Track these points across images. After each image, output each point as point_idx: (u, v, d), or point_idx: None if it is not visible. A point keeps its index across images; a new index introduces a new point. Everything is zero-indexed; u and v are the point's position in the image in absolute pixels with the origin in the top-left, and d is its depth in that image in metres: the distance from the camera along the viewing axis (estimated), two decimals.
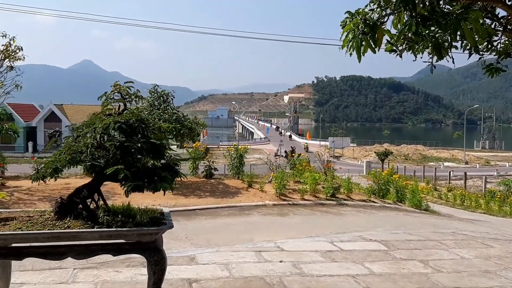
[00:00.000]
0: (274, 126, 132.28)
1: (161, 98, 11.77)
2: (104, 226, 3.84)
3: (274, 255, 5.87)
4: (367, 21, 5.23)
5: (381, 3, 5.49)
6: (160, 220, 4.23)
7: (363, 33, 5.22)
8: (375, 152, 52.44)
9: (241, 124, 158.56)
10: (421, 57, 6.47)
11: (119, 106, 4.31)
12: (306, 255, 5.92)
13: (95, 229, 3.77)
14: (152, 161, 4.22)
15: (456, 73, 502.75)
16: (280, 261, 5.57)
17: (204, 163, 13.00)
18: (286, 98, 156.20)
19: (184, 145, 13.30)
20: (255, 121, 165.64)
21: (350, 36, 5.29)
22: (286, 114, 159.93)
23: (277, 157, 40.30)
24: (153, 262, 4.00)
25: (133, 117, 3.99)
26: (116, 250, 4.00)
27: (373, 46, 5.38)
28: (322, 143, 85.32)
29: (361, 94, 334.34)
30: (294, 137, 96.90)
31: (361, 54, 5.52)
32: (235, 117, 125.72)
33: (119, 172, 3.82)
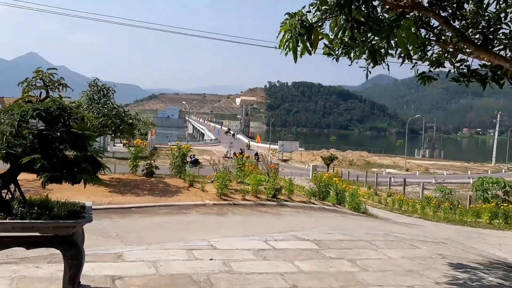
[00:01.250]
0: (224, 128, 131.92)
1: (101, 92, 11.40)
2: (17, 218, 3.64)
3: (205, 253, 5.80)
4: (304, 23, 5.30)
5: (319, 7, 5.59)
6: (79, 214, 4.08)
7: (300, 34, 5.29)
8: (321, 157, 53.56)
9: (192, 125, 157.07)
10: (357, 62, 6.65)
11: (41, 93, 4.12)
12: (238, 254, 5.91)
13: (7, 221, 3.57)
14: (74, 153, 4.06)
15: (401, 84, 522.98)
16: (211, 259, 5.52)
17: (145, 161, 12.73)
18: (238, 100, 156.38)
19: (125, 142, 12.95)
20: (206, 122, 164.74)
21: (287, 36, 5.34)
22: (237, 116, 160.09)
23: (226, 158, 40.20)
24: (69, 257, 3.84)
25: (54, 105, 3.81)
26: (30, 243, 3.80)
27: (310, 48, 5.47)
28: (272, 146, 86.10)
29: (311, 100, 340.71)
30: (238, 135, 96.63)
31: (298, 55, 5.59)
32: (186, 118, 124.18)
33: (35, 161, 3.63)
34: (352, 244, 6.98)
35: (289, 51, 5.44)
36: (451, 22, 5.97)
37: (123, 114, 11.17)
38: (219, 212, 9.40)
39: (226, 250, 6.04)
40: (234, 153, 44.35)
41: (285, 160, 67.66)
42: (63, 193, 9.97)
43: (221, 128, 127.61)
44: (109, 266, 5.03)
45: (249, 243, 6.60)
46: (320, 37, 5.56)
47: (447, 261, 6.35)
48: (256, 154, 66.64)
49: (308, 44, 5.39)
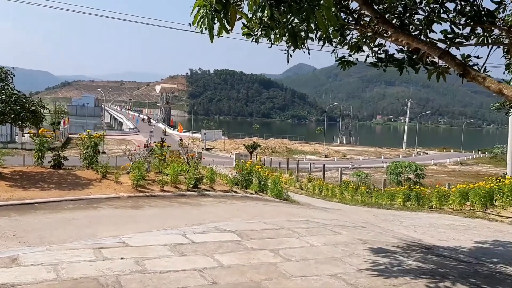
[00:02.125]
0: (145, 117, 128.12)
1: None
2: None
3: (116, 251, 5.27)
4: None
5: None
6: None
7: (215, 11, 4.87)
8: (244, 145, 53.75)
9: (110, 114, 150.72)
10: (277, 45, 6.38)
11: None
12: (153, 250, 5.44)
13: None
14: None
15: (320, 73, 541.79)
16: (121, 258, 5.00)
17: (54, 152, 11.67)
18: (158, 88, 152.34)
19: (29, 131, 11.71)
20: (125, 110, 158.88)
21: (202, 12, 4.90)
22: (158, 104, 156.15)
23: (146, 148, 38.88)
24: None
25: None
26: None
27: (227, 26, 5.09)
28: (194, 135, 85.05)
29: (233, 88, 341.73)
30: (168, 130, 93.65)
31: (215, 34, 5.18)
32: (103, 106, 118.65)
33: None
34: (275, 233, 6.77)
35: (205, 29, 5.02)
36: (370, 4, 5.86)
37: (24, 101, 10.05)
38: (135, 205, 8.78)
39: (140, 247, 5.54)
40: (155, 142, 42.92)
41: (208, 149, 67.21)
42: None
43: (139, 116, 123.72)
44: (0, 272, 4.34)
45: (166, 237, 6.14)
46: (238, 16, 5.21)
47: (367, 246, 6.34)
48: (181, 139, 65.42)
49: (225, 22, 5.01)
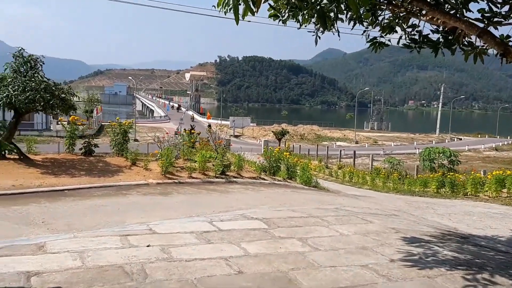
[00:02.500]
0: (175, 105, 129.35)
1: (28, 64, 10.29)
2: None
3: (142, 239, 5.23)
4: None
5: None
6: None
7: None
8: (272, 132, 53.54)
9: (141, 102, 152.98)
10: (305, 26, 6.16)
11: None
12: (180, 238, 5.37)
13: None
14: None
15: (350, 58, 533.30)
16: (148, 246, 4.95)
17: (85, 139, 11.82)
18: (187, 76, 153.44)
19: (60, 119, 11.95)
20: (156, 98, 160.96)
21: None
22: (187, 92, 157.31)
23: (177, 135, 39.30)
24: None
25: None
26: None
27: (252, 7, 4.90)
28: (223, 122, 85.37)
29: (262, 75, 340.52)
30: (196, 117, 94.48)
31: (240, 16, 5.01)
32: (135, 94, 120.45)
33: None
34: (303, 221, 6.61)
35: (229, 11, 4.85)
36: None
37: (53, 88, 10.14)
38: (163, 192, 8.77)
39: (166, 234, 5.48)
40: (185, 130, 43.21)
41: (236, 136, 67.33)
42: None
43: (169, 104, 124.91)
44: (26, 260, 4.34)
45: (193, 224, 6.07)
46: None
47: (400, 235, 6.11)
48: (209, 125, 65.70)
49: (250, 3, 4.82)
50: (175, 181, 9.93)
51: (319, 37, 6.20)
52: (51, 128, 54.53)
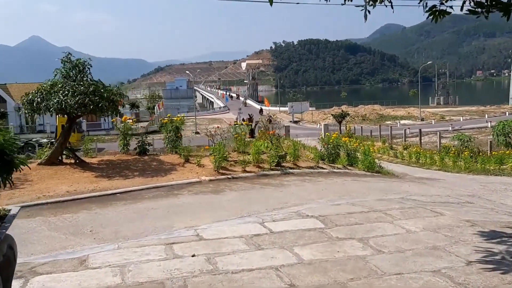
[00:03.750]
0: (233, 95, 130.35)
1: (77, 68, 10.35)
2: None
3: (188, 247, 4.88)
4: None
5: None
6: None
7: None
8: (332, 115, 52.19)
9: (201, 94, 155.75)
10: (351, 1, 5.52)
11: None
12: (227, 244, 4.98)
13: None
14: None
15: (410, 32, 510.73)
16: (193, 256, 4.59)
17: (137, 138, 11.81)
18: (243, 65, 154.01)
19: (112, 120, 12.02)
20: (215, 90, 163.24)
21: None
22: (245, 81, 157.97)
23: (236, 125, 39.28)
24: None
25: None
26: None
27: None
28: (282, 108, 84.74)
29: (319, 57, 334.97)
30: (249, 102, 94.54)
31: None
32: (195, 87, 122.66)
33: None
34: (364, 217, 5.99)
35: None
36: None
37: (102, 90, 10.13)
38: (215, 190, 8.46)
39: (214, 240, 5.11)
40: (243, 120, 43.17)
41: (296, 122, 66.54)
42: (45, 182, 9.16)
43: (228, 94, 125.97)
44: (66, 277, 4.13)
45: (243, 227, 5.66)
46: None
47: (477, 230, 5.33)
48: (261, 110, 65.20)
49: None
50: (228, 176, 9.60)
51: (369, 12, 5.52)
52: (118, 127, 56.76)
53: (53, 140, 34.08)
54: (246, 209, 6.83)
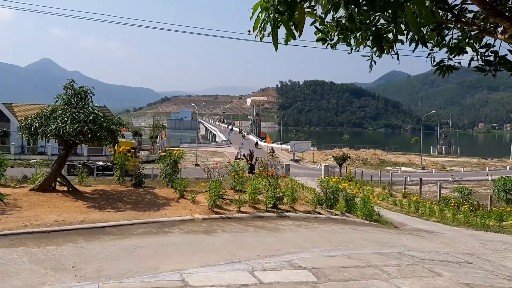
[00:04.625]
0: (236, 129, 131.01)
1: (78, 95, 10.30)
2: None
3: None
4: None
5: None
6: None
7: (279, 12, 4.07)
8: (333, 157, 52.09)
9: (205, 127, 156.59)
10: (358, 50, 5.43)
11: None
12: None
13: None
14: None
15: (415, 80, 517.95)
16: None
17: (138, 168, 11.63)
18: (249, 101, 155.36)
19: (110, 150, 11.86)
20: (218, 123, 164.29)
21: (263, 15, 4.12)
22: (249, 117, 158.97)
23: (237, 160, 39.19)
24: None
25: None
26: None
27: (294, 31, 4.26)
28: (284, 146, 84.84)
29: (323, 98, 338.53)
30: (260, 143, 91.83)
31: (281, 41, 4.41)
32: (199, 119, 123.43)
33: None
34: (359, 272, 5.73)
35: (267, 36, 4.24)
36: None
37: (102, 120, 10.03)
38: (207, 230, 8.20)
39: None
40: (244, 155, 43.01)
41: (297, 160, 66.41)
42: (34, 209, 8.92)
43: (230, 129, 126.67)
44: None
45: (231, 275, 5.40)
46: (307, 16, 4.35)
47: None
48: (272, 150, 65.04)
49: (292, 26, 4.18)
50: (222, 216, 9.35)
51: (375, 62, 5.46)
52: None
53: (109, 164, 33.87)
54: (237, 254, 6.56)
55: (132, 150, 36.96)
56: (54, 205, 9.10)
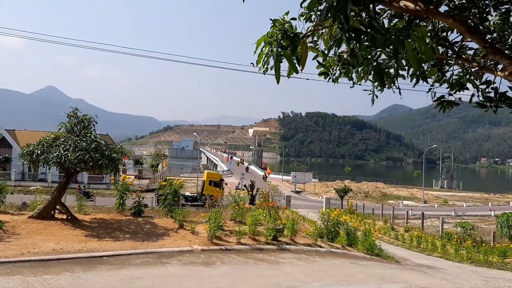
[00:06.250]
0: (237, 159, 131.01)
1: (82, 123, 10.37)
2: None
3: None
4: (287, 32, 4.16)
5: (309, 15, 4.47)
6: None
7: (282, 47, 4.14)
8: (334, 189, 51.85)
9: (206, 156, 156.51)
10: (360, 84, 5.50)
11: None
12: None
13: None
14: None
15: (416, 114, 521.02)
16: None
17: (133, 198, 11.57)
18: (251, 131, 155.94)
19: (111, 178, 11.87)
20: (219, 153, 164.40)
21: (266, 50, 4.20)
22: (251, 147, 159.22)
23: (238, 190, 38.99)
24: None
25: None
26: None
27: (297, 65, 4.33)
28: (285, 177, 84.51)
29: (325, 130, 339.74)
30: (252, 167, 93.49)
31: (283, 75, 4.47)
32: (201, 149, 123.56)
33: None
34: None
35: (270, 69, 4.30)
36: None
37: (104, 148, 10.06)
38: (206, 262, 8.08)
39: None
40: (245, 185, 42.90)
41: (298, 192, 66.07)
42: (32, 237, 8.84)
43: (231, 158, 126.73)
44: None
45: None
46: (309, 50, 4.42)
47: None
48: (265, 176, 64.30)
49: (294, 60, 4.25)
50: (222, 247, 9.24)
51: (376, 96, 5.53)
52: (119, 182, 56.54)
53: (196, 195, 33.53)
54: (236, 287, 6.46)
55: (220, 182, 36.89)
56: (53, 233, 9.01)
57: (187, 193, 35.26)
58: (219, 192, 31.17)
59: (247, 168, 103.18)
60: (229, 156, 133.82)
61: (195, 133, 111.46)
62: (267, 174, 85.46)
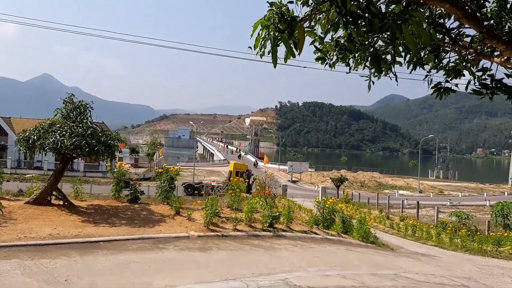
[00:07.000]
0: (234, 149, 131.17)
1: (78, 109, 10.33)
2: None
3: None
4: (284, 16, 4.15)
5: None
6: None
7: (279, 31, 4.13)
8: (330, 178, 52.02)
9: (203, 145, 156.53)
10: (356, 70, 5.49)
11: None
12: None
13: None
14: None
15: (413, 104, 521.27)
16: None
17: (132, 185, 11.59)
18: (247, 121, 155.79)
19: (107, 164, 11.87)
20: (216, 142, 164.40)
21: (263, 33, 4.19)
22: (247, 137, 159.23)
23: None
24: None
25: None
26: None
27: (294, 49, 4.32)
28: (281, 167, 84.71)
29: (322, 120, 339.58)
30: (248, 156, 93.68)
31: (280, 58, 4.46)
32: (197, 138, 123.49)
33: None
34: None
35: (267, 53, 4.29)
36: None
37: (100, 134, 10.03)
38: (202, 247, 8.13)
39: None
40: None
41: (294, 181, 66.25)
42: (29, 222, 8.85)
43: (227, 147, 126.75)
44: None
45: None
46: (306, 35, 4.41)
47: None
48: (256, 163, 64.45)
49: (292, 44, 4.24)
50: (218, 234, 9.29)
51: (373, 82, 5.51)
52: (115, 170, 56.53)
53: (222, 185, 32.83)
54: (232, 272, 6.51)
55: (246, 173, 37.16)
56: (49, 218, 9.03)
57: (214, 183, 34.73)
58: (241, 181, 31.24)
59: (239, 156, 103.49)
60: (225, 145, 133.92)
61: (191, 122, 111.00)
62: (257, 162, 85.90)
